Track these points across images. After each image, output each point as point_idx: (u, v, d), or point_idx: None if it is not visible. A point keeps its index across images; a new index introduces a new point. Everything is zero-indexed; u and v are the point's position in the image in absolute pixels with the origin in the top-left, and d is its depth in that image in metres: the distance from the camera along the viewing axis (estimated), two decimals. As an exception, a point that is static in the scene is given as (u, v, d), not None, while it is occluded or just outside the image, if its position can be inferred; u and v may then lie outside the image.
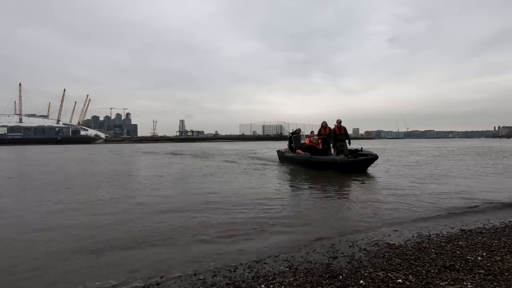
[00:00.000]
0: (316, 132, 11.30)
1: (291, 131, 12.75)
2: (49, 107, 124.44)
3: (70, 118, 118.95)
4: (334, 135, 10.01)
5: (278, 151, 13.68)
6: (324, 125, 10.64)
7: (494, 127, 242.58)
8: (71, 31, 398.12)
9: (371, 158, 9.06)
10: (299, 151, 11.05)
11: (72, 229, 3.73)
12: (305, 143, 11.18)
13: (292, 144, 12.14)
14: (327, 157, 9.68)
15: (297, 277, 2.36)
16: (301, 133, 12.38)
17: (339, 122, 10.09)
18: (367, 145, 20.65)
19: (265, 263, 2.68)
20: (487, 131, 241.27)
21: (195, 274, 2.48)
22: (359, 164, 8.89)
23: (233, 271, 2.53)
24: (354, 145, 10.83)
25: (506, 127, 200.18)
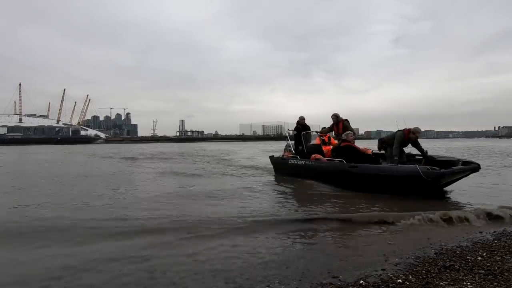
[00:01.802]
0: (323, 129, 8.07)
1: (292, 128, 8.60)
2: (49, 107, 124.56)
3: (70, 118, 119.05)
4: (401, 140, 6.04)
5: (273, 158, 9.19)
6: (336, 120, 7.37)
7: (494, 127, 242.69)
8: (71, 31, 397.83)
9: (472, 168, 5.45)
10: (318, 155, 7.14)
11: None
12: (319, 144, 7.73)
13: (300, 146, 7.94)
14: (390, 166, 5.59)
15: (297, 277, 2.35)
16: (312, 132, 8.29)
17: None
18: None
19: (264, 262, 2.68)
20: (487, 131, 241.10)
21: None
22: (450, 178, 5.33)
23: (232, 271, 2.53)
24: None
25: (506, 127, 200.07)
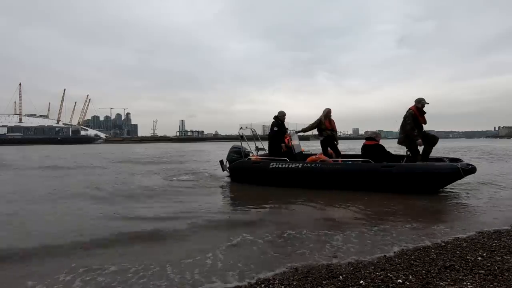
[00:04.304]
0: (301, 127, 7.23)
1: (296, 129, 7.48)
2: (49, 107, 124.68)
3: (70, 118, 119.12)
4: (415, 124, 5.83)
5: (223, 162, 7.43)
6: (328, 115, 6.86)
7: (494, 127, 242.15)
8: (73, 31, 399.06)
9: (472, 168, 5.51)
10: (323, 157, 6.48)
11: None
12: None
13: (275, 147, 6.90)
14: (431, 165, 5.62)
15: (296, 277, 2.36)
16: (291, 130, 7.34)
17: (421, 103, 5.87)
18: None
19: (264, 262, 2.68)
20: (487, 131, 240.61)
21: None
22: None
23: (232, 270, 2.53)
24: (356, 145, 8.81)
25: (506, 127, 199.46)
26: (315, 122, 6.91)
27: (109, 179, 8.10)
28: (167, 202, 5.23)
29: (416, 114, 5.84)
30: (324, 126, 6.76)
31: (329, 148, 6.89)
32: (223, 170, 7.47)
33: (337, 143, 6.99)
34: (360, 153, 6.51)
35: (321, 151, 7.09)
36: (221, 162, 7.50)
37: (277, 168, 6.29)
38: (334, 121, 6.99)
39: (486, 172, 8.41)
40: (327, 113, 6.83)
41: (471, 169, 5.42)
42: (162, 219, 4.10)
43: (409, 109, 5.91)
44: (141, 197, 5.66)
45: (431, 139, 6.06)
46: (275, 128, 6.91)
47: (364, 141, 6.44)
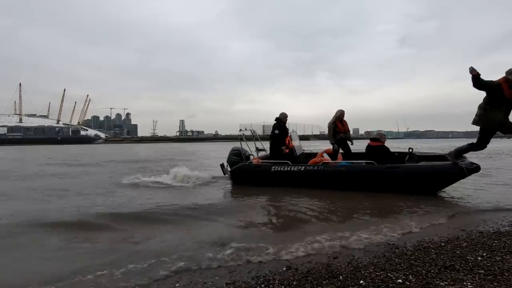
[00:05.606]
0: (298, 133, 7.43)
1: (295, 129, 7.63)
2: (49, 107, 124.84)
3: (70, 118, 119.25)
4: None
5: (223, 166, 7.43)
6: (341, 118, 6.79)
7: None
8: (73, 31, 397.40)
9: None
10: (325, 159, 6.54)
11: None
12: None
13: (277, 150, 6.84)
14: (435, 165, 5.62)
15: (296, 277, 2.36)
16: (291, 131, 7.34)
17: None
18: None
19: (264, 263, 2.69)
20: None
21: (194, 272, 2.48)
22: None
23: (233, 271, 2.53)
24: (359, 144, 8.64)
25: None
26: (331, 129, 6.76)
27: (100, 190, 6.52)
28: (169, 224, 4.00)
29: (503, 86, 4.65)
30: (338, 129, 6.72)
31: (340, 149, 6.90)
32: (224, 174, 7.46)
33: (352, 143, 7.03)
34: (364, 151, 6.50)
35: (320, 150, 7.19)
36: (222, 165, 7.47)
37: (279, 171, 6.38)
38: (346, 121, 6.93)
39: (487, 172, 8.39)
40: (340, 115, 6.78)
41: (475, 168, 5.38)
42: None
43: (497, 80, 4.75)
44: (136, 220, 4.18)
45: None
46: (276, 131, 6.91)
47: (368, 141, 6.45)
